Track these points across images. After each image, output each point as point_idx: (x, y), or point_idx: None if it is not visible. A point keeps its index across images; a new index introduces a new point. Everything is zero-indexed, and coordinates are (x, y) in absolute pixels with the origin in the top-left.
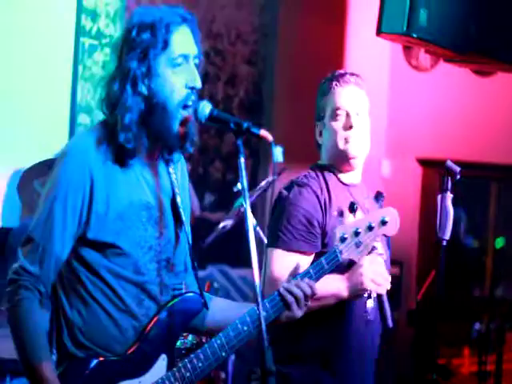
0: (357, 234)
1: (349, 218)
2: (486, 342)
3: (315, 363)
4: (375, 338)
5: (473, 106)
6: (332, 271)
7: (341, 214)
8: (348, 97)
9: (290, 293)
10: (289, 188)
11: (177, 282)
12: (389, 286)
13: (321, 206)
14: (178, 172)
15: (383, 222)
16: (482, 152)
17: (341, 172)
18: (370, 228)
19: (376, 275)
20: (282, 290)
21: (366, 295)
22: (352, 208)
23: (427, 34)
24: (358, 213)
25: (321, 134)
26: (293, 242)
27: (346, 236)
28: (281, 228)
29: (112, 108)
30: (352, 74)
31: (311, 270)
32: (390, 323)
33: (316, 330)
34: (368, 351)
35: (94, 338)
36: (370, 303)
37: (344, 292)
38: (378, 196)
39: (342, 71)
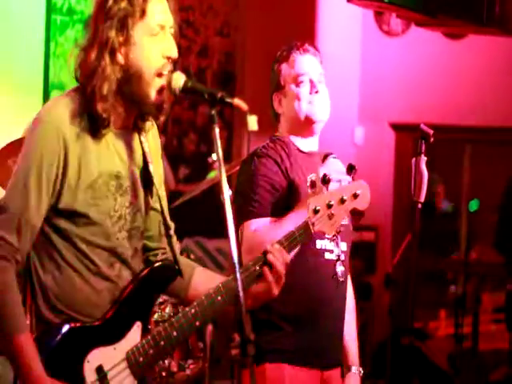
0: (329, 206)
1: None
2: (462, 304)
3: (287, 329)
4: (345, 299)
5: (445, 68)
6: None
7: (313, 185)
8: (309, 64)
9: (273, 256)
10: (249, 161)
11: (154, 248)
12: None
13: (282, 172)
14: (150, 140)
15: (355, 196)
16: (456, 115)
17: (301, 139)
18: (343, 201)
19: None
20: (264, 254)
21: (335, 258)
22: (324, 180)
23: None
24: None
25: (280, 103)
26: (262, 210)
27: (318, 208)
28: (248, 201)
29: (89, 77)
30: (309, 44)
31: (284, 241)
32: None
33: (288, 295)
34: (339, 312)
35: (68, 302)
36: (340, 266)
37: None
38: (350, 169)
39: (297, 42)
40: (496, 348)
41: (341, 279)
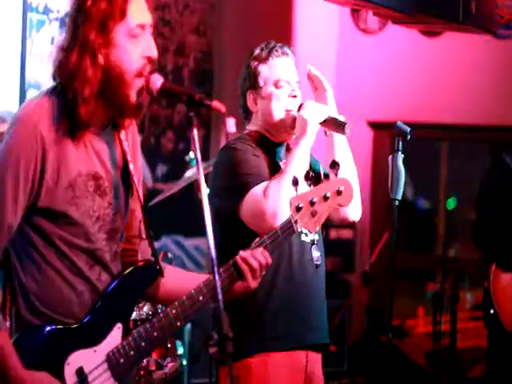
0: (312, 203)
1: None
2: (440, 302)
3: (269, 315)
4: (323, 281)
5: (421, 66)
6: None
7: (295, 182)
8: (289, 67)
9: (246, 263)
10: (220, 155)
11: (130, 249)
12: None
13: (256, 156)
14: (129, 138)
15: (338, 192)
16: (432, 112)
17: (271, 137)
18: (326, 198)
19: (311, 108)
20: (238, 259)
21: (309, 241)
22: (307, 176)
23: None
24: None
25: (255, 102)
26: (259, 177)
27: (301, 206)
28: (241, 176)
29: (70, 79)
30: (288, 47)
31: (266, 240)
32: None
33: (267, 285)
34: (320, 293)
35: (49, 303)
36: (316, 250)
37: (304, 145)
38: (333, 165)
39: (276, 43)
40: (474, 345)
41: (317, 262)
